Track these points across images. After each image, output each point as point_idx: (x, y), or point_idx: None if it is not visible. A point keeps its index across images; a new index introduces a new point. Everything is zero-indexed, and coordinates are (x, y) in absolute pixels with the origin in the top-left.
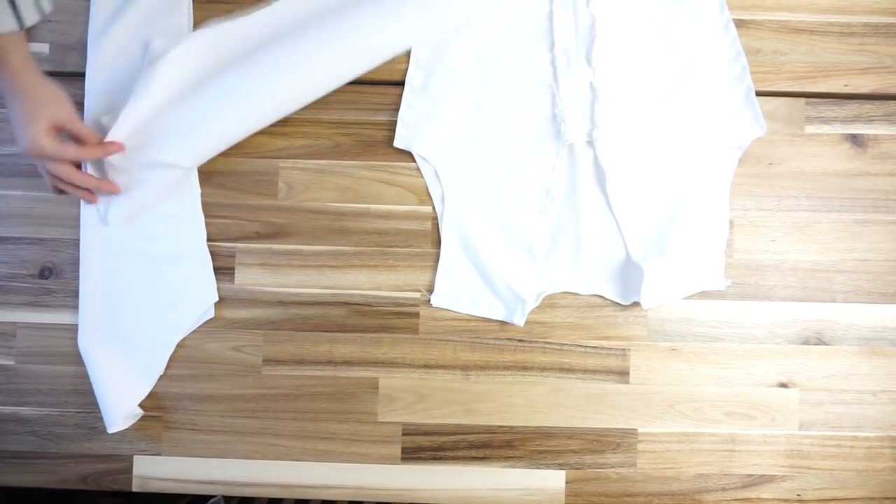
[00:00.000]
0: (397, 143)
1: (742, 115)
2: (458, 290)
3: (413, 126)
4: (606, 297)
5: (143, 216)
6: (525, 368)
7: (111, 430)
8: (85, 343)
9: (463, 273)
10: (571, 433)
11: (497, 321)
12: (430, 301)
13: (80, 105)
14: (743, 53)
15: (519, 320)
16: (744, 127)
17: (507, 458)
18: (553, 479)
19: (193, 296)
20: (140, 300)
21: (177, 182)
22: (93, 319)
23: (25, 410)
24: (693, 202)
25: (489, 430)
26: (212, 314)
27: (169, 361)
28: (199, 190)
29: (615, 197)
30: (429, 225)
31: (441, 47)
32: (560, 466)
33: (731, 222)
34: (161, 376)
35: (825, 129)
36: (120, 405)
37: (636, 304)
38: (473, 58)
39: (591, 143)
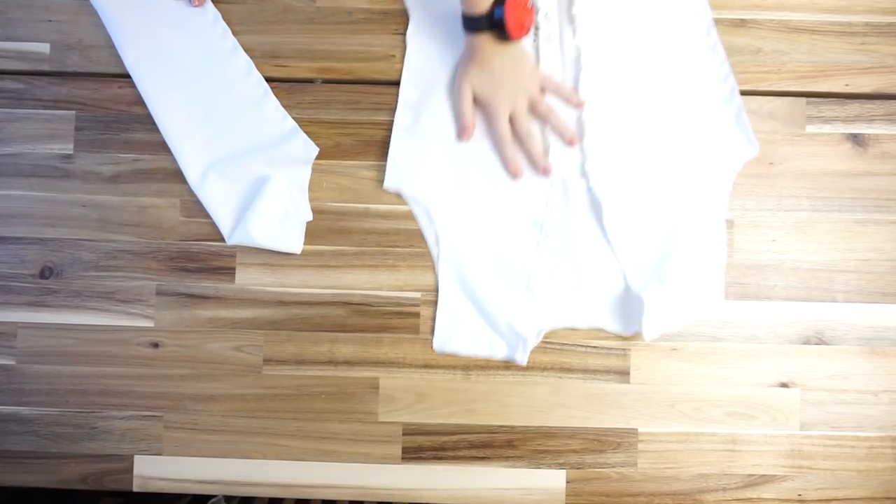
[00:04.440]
0: (387, 185)
1: (734, 137)
2: (458, 331)
3: (403, 167)
4: (608, 329)
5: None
6: (525, 368)
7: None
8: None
9: (462, 314)
10: (572, 433)
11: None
12: (433, 346)
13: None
14: (732, 74)
15: (521, 358)
16: (737, 148)
17: (507, 458)
18: (553, 479)
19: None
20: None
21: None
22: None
23: (26, 410)
24: (690, 228)
25: (490, 429)
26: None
27: (169, 361)
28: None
29: (611, 227)
30: None
31: (429, 87)
32: (560, 466)
33: (732, 222)
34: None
35: (826, 128)
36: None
37: (638, 334)
38: None
39: (583, 174)
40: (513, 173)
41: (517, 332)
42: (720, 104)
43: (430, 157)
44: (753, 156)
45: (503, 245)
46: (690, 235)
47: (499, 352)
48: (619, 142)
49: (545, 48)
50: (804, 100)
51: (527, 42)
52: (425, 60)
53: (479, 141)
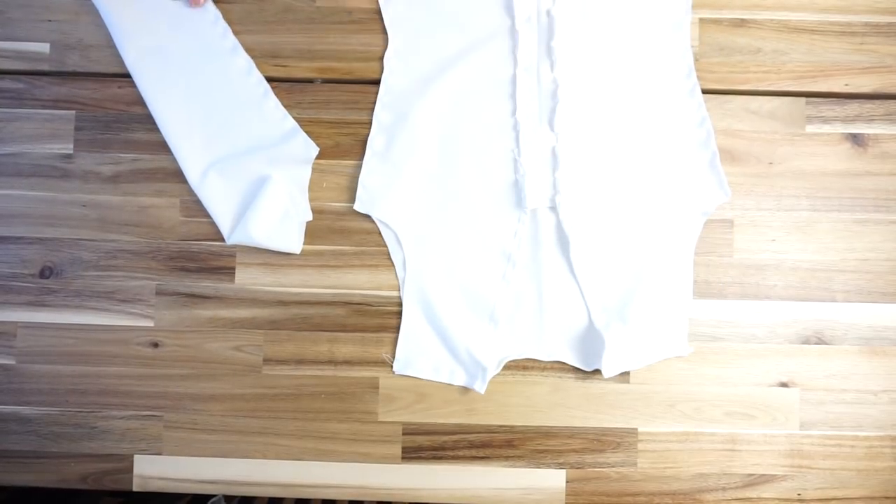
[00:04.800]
0: (357, 207)
1: (707, 181)
2: (419, 356)
3: (374, 190)
4: (568, 363)
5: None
6: (525, 368)
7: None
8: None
9: (424, 339)
10: (572, 433)
11: None
12: (392, 369)
13: (80, 105)
14: (709, 118)
15: (480, 388)
16: (708, 193)
17: (507, 458)
18: (553, 479)
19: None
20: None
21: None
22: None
23: (26, 410)
24: (656, 268)
25: (489, 429)
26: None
27: (169, 361)
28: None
29: (578, 263)
30: None
31: (403, 112)
32: (560, 466)
33: (732, 222)
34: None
35: (826, 128)
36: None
37: (598, 371)
38: (436, 122)
39: (553, 208)
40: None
41: (477, 360)
42: (695, 147)
43: (401, 184)
44: (725, 201)
45: (469, 274)
46: (657, 277)
47: (458, 379)
48: (591, 178)
49: (522, 79)
50: (804, 100)
51: (504, 72)
52: (402, 86)
53: (453, 170)
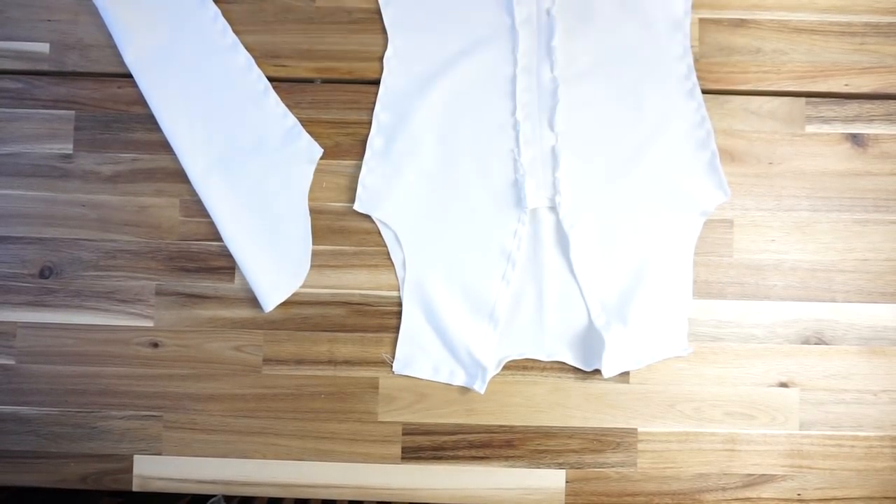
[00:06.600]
0: (357, 207)
1: (706, 181)
2: (419, 356)
3: (374, 191)
4: (568, 363)
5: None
6: (525, 368)
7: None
8: (228, 242)
9: (424, 339)
10: (571, 433)
11: None
12: (392, 369)
13: (80, 105)
14: (708, 119)
15: (480, 388)
16: (707, 193)
17: (507, 458)
18: (553, 479)
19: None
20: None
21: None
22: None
23: (25, 410)
24: (656, 268)
25: (489, 429)
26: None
27: (169, 361)
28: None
29: (578, 263)
30: None
31: (402, 112)
32: (560, 466)
33: (732, 222)
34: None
35: (825, 128)
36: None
37: (597, 371)
38: (435, 122)
39: (553, 208)
40: None
41: (477, 360)
42: (695, 148)
43: (401, 185)
44: (724, 201)
45: (469, 274)
46: (656, 277)
47: (458, 379)
48: (591, 177)
49: (522, 78)
50: (804, 100)
51: (504, 72)
52: (402, 86)
53: (452, 170)
